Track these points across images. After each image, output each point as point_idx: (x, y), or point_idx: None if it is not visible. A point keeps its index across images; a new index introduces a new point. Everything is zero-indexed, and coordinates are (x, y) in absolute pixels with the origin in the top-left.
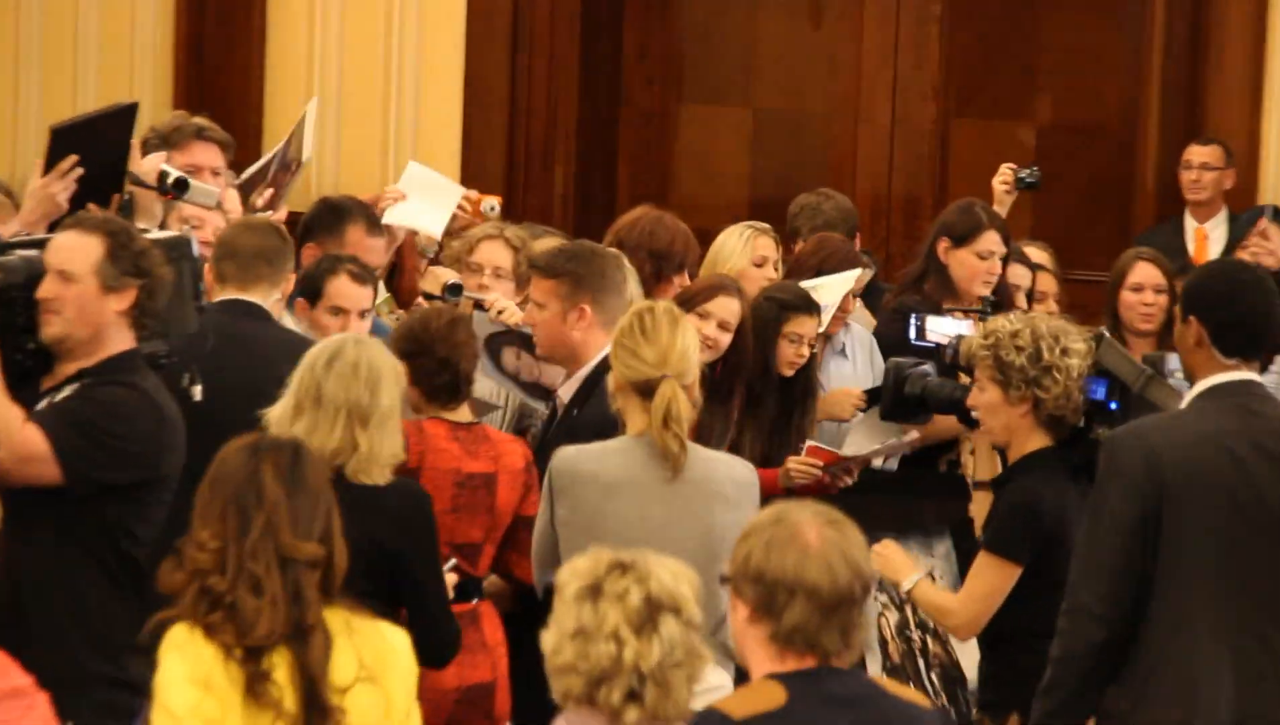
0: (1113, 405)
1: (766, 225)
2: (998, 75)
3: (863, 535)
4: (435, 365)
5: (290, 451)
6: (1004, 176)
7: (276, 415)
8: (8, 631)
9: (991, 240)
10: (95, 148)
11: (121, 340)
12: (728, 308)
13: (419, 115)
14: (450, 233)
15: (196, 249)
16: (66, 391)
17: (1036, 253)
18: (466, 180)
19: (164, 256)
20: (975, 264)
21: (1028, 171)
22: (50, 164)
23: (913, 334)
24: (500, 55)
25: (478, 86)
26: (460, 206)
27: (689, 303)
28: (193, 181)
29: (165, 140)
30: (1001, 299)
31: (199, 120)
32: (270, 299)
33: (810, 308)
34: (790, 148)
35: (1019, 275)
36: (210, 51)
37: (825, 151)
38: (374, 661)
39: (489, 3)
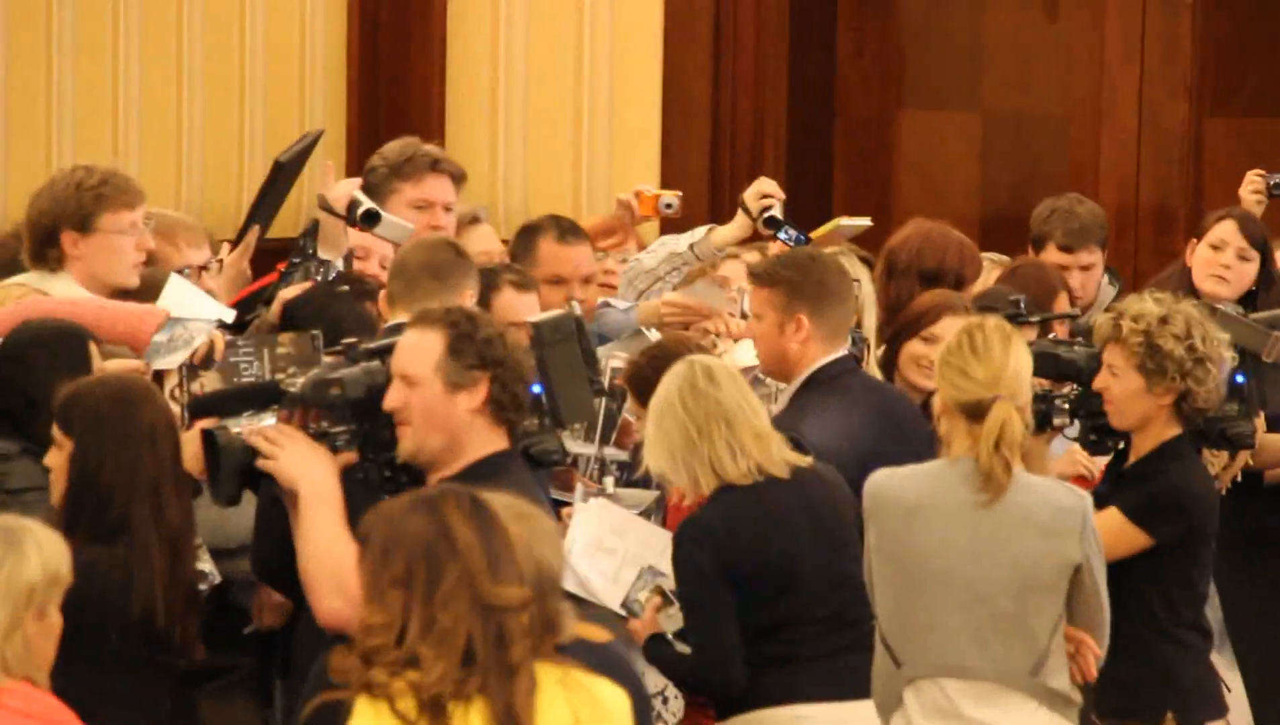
0: (1239, 378)
1: (1000, 255)
2: (1257, 68)
3: (554, 524)
4: None
5: (468, 495)
6: (1254, 185)
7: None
8: None
9: (1226, 230)
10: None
11: (485, 442)
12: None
13: (613, 127)
14: (606, 232)
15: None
16: None
17: None
18: None
19: (549, 338)
20: (1206, 255)
21: None
22: (265, 190)
23: None
24: (702, 59)
25: (677, 94)
26: (626, 202)
27: (912, 326)
28: (385, 214)
29: (396, 171)
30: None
31: (432, 149)
32: None
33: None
34: (1024, 155)
35: None
36: (386, 65)
37: (1064, 158)
38: (590, 719)
39: (689, 2)
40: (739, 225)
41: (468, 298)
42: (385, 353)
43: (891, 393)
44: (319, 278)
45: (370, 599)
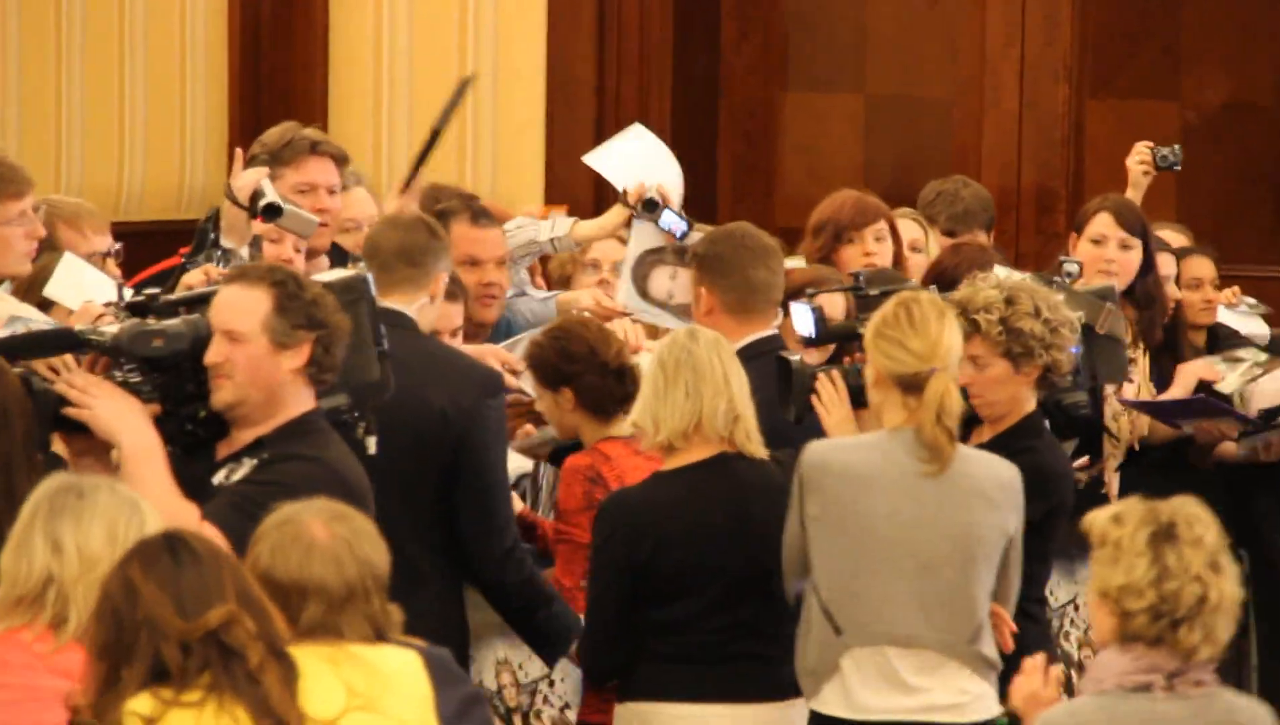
0: (1074, 349)
1: (909, 208)
2: (1137, 51)
3: (371, 524)
4: (610, 378)
5: (158, 543)
6: (1141, 156)
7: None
8: None
9: (1103, 223)
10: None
11: (299, 401)
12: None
13: (498, 111)
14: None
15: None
16: (243, 469)
17: (1173, 236)
18: (551, 182)
19: (338, 301)
20: (1090, 251)
21: (1169, 150)
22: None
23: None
24: (586, 43)
25: (562, 78)
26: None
27: (790, 298)
28: (287, 206)
29: (275, 156)
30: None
31: (311, 132)
32: (415, 304)
33: None
34: (908, 137)
35: (1165, 265)
36: (268, 52)
37: (947, 141)
38: (368, 688)
39: None
40: (606, 219)
41: (440, 282)
42: (191, 304)
43: None
44: (221, 266)
45: (87, 672)
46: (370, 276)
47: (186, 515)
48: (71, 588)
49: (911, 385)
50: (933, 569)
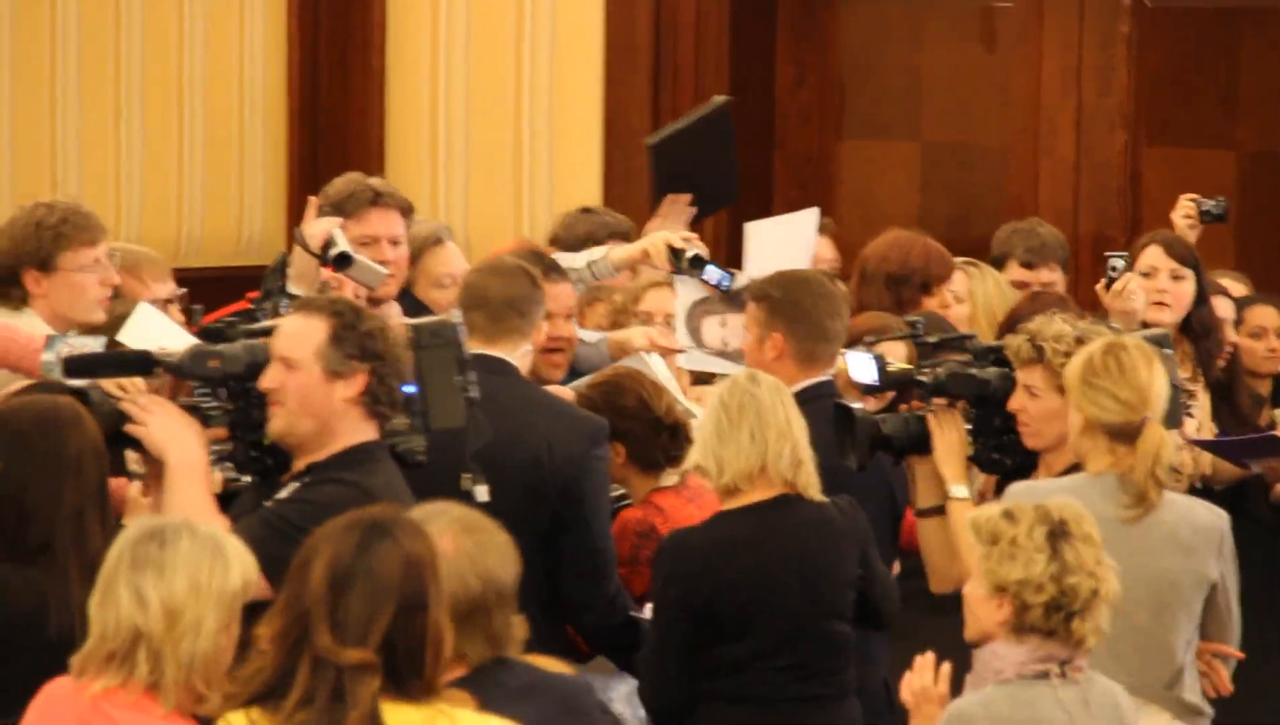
0: None
1: (974, 260)
2: (1193, 99)
3: (505, 538)
4: (663, 432)
5: (358, 538)
6: (1186, 210)
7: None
8: None
9: (1154, 256)
10: (697, 158)
11: (356, 432)
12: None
13: (554, 159)
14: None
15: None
16: (286, 491)
17: (1233, 284)
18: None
19: (424, 343)
20: (1141, 286)
21: (1213, 203)
22: (658, 179)
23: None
24: (642, 92)
25: (618, 127)
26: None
27: (852, 347)
28: (358, 257)
29: (338, 208)
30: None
31: (375, 183)
32: (519, 352)
33: None
34: (963, 186)
35: (1223, 307)
36: (326, 98)
37: (1002, 189)
38: None
39: (629, 36)
40: (637, 247)
41: (543, 331)
42: (267, 332)
43: None
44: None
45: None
46: (460, 324)
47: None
48: (160, 644)
49: (1121, 433)
50: (1124, 614)
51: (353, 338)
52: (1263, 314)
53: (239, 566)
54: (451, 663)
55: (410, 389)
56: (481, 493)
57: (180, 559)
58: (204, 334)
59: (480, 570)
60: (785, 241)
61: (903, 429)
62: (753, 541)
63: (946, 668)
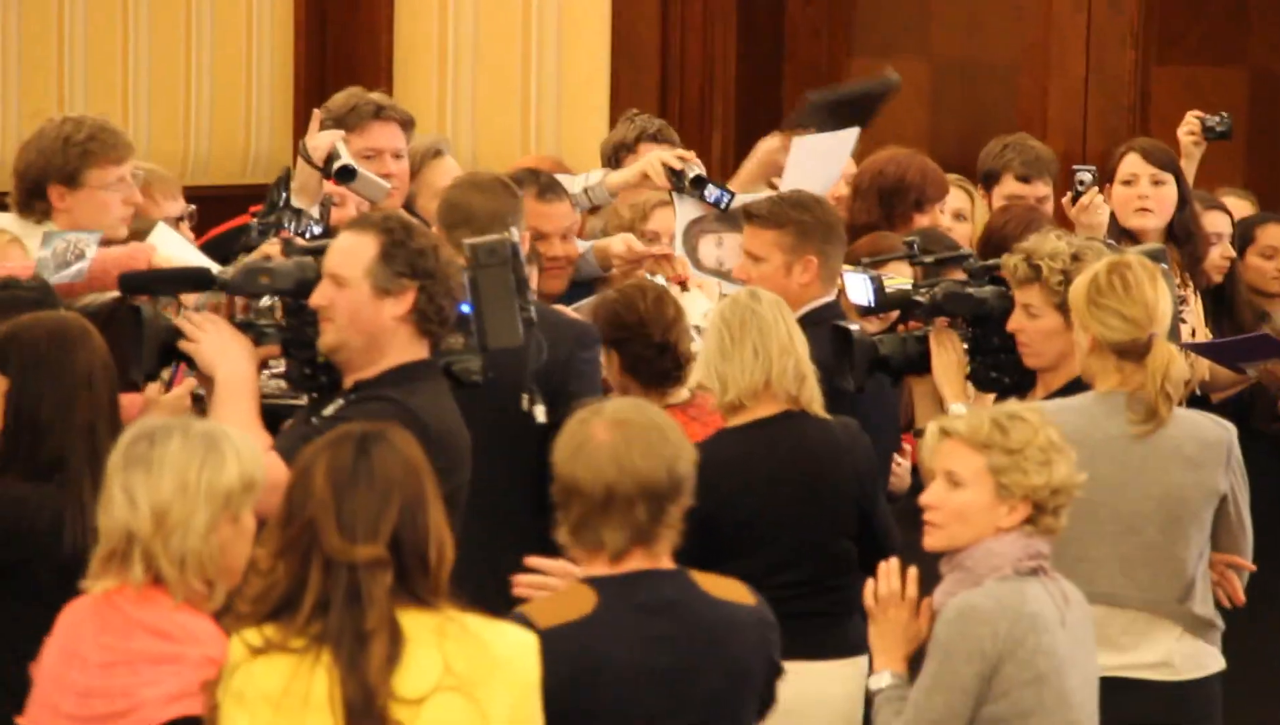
0: None
1: (964, 179)
2: (1203, 15)
3: (663, 434)
4: (653, 350)
5: (354, 445)
6: (1190, 126)
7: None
8: None
9: (1132, 163)
10: (835, 117)
11: (406, 350)
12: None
13: (562, 72)
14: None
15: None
16: (331, 408)
17: (1238, 202)
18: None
19: (480, 262)
20: (1122, 193)
21: (1217, 119)
22: (797, 121)
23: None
24: (651, 7)
25: (627, 42)
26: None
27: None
28: (361, 171)
29: (340, 122)
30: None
31: (377, 97)
32: None
33: None
34: (973, 103)
35: (1217, 223)
36: (334, 13)
37: (1012, 105)
38: (467, 669)
39: None
40: (633, 170)
41: (526, 241)
42: (319, 251)
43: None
44: (292, 226)
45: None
46: (518, 243)
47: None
48: (150, 542)
49: (1129, 351)
50: (1135, 530)
51: (402, 255)
52: (1273, 233)
53: (236, 463)
54: (591, 550)
55: (466, 308)
56: (540, 413)
57: (168, 457)
58: (206, 248)
59: (621, 460)
60: (825, 156)
61: (900, 349)
62: (756, 457)
63: (914, 571)
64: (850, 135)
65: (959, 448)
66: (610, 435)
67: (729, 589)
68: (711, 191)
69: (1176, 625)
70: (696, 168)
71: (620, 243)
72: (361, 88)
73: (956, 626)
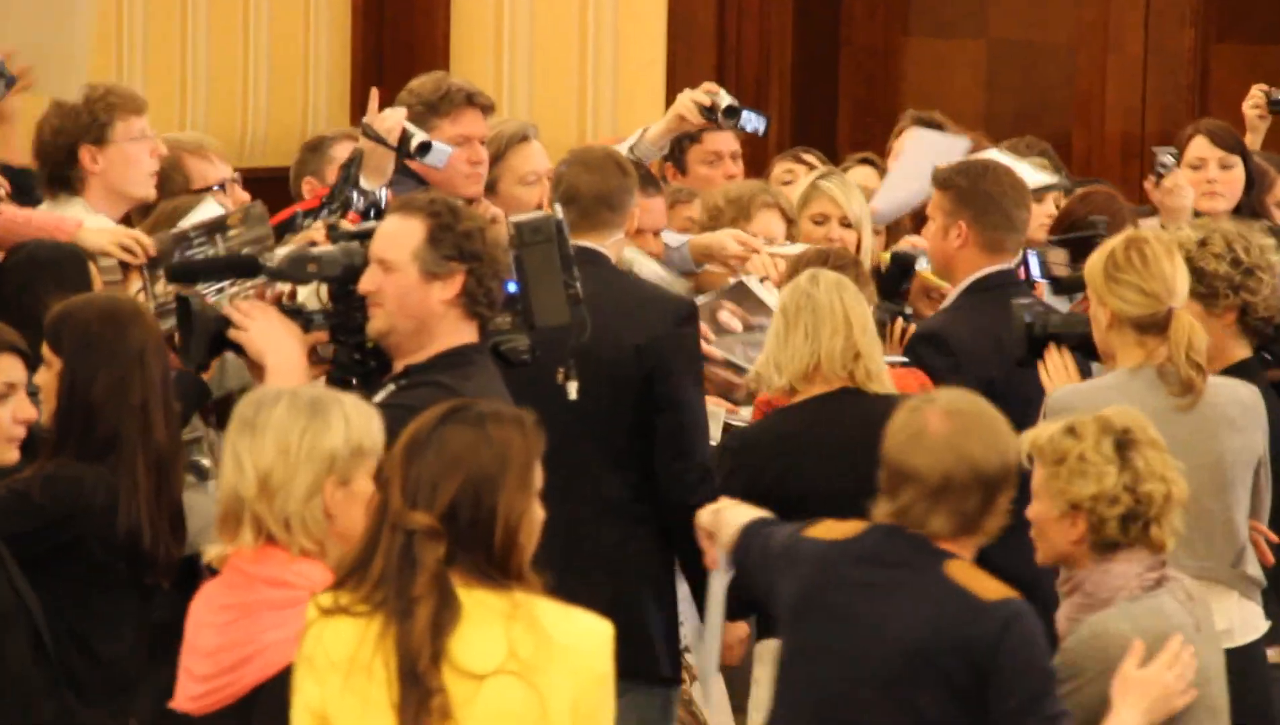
0: None
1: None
2: None
3: (998, 424)
4: None
5: (440, 413)
6: (1255, 100)
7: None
8: None
9: (1200, 147)
10: None
11: (455, 333)
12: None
13: (618, 55)
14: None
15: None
16: (382, 394)
17: None
18: None
19: (525, 241)
20: (1191, 177)
21: None
22: None
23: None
24: None
25: (684, 24)
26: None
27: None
28: (436, 144)
29: (431, 107)
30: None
31: (463, 83)
32: (610, 241)
33: None
34: (1030, 84)
35: None
36: None
37: (1070, 86)
38: (531, 655)
39: None
40: (668, 117)
41: (634, 218)
42: (366, 236)
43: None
44: (359, 206)
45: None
46: (562, 220)
47: None
48: (255, 504)
49: (1149, 325)
50: (1190, 500)
51: (450, 238)
52: None
53: (341, 427)
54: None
55: (512, 287)
56: (571, 389)
57: (272, 422)
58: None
59: (956, 448)
60: (935, 155)
61: (1066, 327)
62: (809, 431)
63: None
64: (963, 143)
65: (1035, 462)
66: (947, 424)
67: (982, 587)
68: (748, 118)
69: (1232, 590)
70: (727, 98)
71: (733, 241)
72: (444, 73)
73: (1091, 645)
